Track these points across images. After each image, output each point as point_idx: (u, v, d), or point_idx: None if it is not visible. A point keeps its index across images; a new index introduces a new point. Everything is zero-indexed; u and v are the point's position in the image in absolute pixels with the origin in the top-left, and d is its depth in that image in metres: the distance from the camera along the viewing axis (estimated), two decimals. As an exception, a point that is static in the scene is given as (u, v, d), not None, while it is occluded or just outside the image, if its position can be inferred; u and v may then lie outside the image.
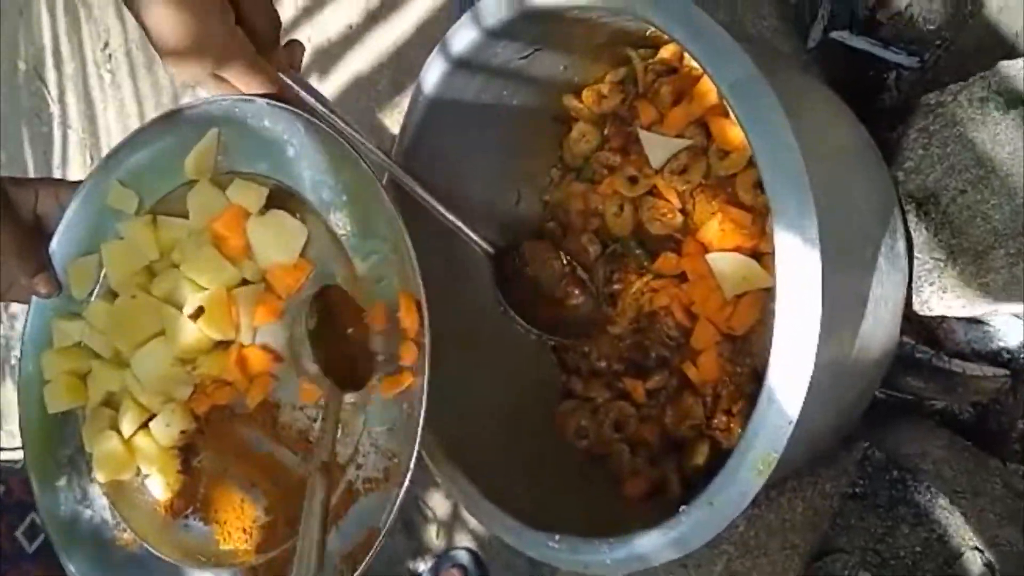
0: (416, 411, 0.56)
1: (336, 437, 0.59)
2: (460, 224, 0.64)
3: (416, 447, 0.55)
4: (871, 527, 0.76)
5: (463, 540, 1.07)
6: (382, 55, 1.22)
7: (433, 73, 0.64)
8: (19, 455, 0.77)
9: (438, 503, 1.10)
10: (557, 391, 0.76)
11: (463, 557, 1.05)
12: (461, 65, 0.63)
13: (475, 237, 0.65)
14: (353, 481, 0.60)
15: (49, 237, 0.70)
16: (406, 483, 0.55)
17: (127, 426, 0.66)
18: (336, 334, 0.61)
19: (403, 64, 1.21)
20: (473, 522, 1.06)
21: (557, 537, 0.57)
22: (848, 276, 0.52)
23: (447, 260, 0.69)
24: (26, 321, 0.71)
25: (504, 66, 0.65)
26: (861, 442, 0.75)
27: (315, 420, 0.63)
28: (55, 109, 2.02)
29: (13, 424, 0.76)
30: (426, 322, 0.56)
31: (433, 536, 1.10)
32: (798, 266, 0.45)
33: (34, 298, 0.70)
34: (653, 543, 0.51)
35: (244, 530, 0.65)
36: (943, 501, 0.72)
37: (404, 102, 0.75)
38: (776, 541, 0.71)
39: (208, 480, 0.67)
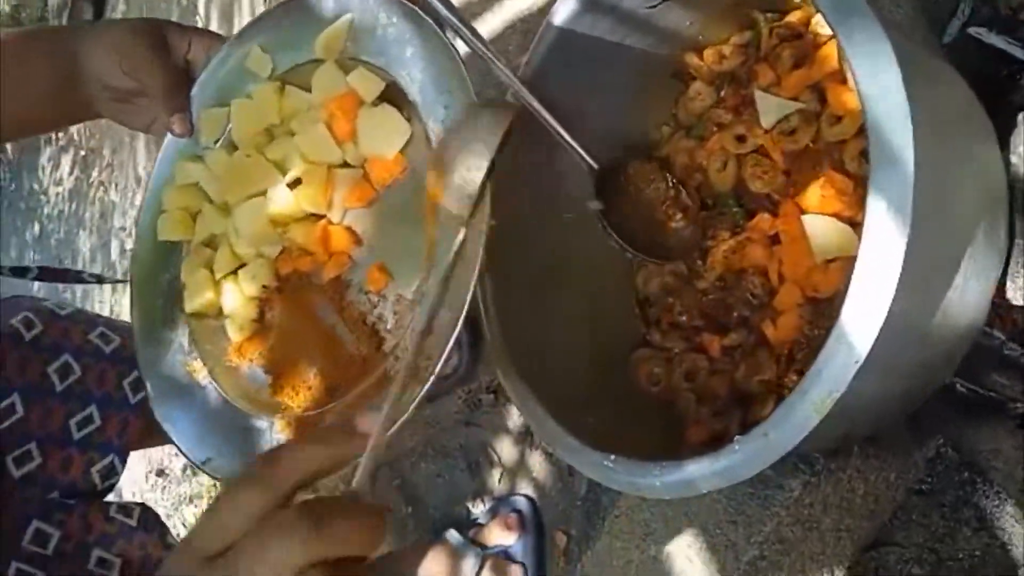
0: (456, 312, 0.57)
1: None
2: (570, 139, 0.66)
3: (445, 350, 0.57)
4: (932, 525, 0.75)
5: (524, 488, 1.10)
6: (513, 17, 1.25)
7: (564, 8, 0.67)
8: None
9: (505, 448, 1.13)
10: (635, 339, 0.78)
11: (522, 503, 1.08)
12: (591, 5, 0.66)
13: (582, 152, 0.67)
14: (388, 370, 0.64)
15: (192, 82, 0.78)
16: (428, 383, 0.57)
17: (220, 268, 0.74)
18: None
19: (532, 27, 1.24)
20: (536, 471, 1.09)
21: (613, 457, 0.59)
22: (940, 242, 0.53)
23: (549, 178, 0.72)
24: (158, 157, 0.80)
25: (632, 12, 0.68)
26: (935, 438, 0.74)
27: (375, 306, 0.68)
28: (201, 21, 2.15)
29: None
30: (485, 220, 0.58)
31: (496, 480, 1.14)
32: (887, 217, 0.46)
33: (168, 136, 0.78)
34: (704, 469, 0.53)
35: (294, 387, 0.70)
36: (1011, 508, 0.71)
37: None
38: (830, 518, 0.72)
39: (276, 335, 0.73)
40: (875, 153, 0.46)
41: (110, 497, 0.92)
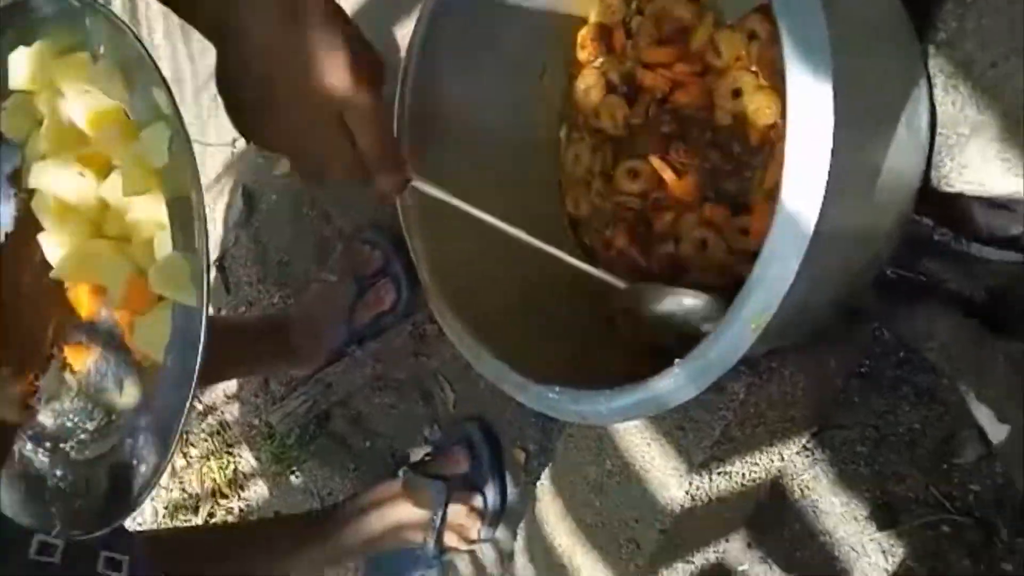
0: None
1: None
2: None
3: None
4: (873, 405, 0.78)
5: (479, 410, 1.10)
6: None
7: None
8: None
9: (455, 374, 1.13)
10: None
11: (471, 427, 1.08)
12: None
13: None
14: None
15: None
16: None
17: None
18: None
19: None
20: (487, 393, 1.09)
21: (558, 389, 0.59)
22: (862, 140, 0.52)
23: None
24: None
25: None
26: (870, 322, 0.76)
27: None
28: None
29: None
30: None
31: (450, 406, 1.14)
32: (808, 126, 0.45)
33: None
34: (647, 393, 0.53)
35: None
36: (945, 381, 0.73)
37: None
38: (775, 412, 0.73)
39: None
40: (791, 61, 0.45)
41: None
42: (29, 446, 0.71)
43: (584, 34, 0.74)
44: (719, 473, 0.74)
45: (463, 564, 1.12)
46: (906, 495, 0.75)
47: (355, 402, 1.26)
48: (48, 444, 0.71)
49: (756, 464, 0.78)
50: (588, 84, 0.73)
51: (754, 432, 0.73)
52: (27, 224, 0.73)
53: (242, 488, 1.46)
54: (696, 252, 0.65)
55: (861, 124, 0.51)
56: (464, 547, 1.06)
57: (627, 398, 0.55)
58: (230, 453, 1.47)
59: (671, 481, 0.73)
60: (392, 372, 1.21)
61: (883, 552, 0.76)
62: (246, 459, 1.45)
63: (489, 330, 0.65)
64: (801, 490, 0.81)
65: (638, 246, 0.71)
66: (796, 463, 0.81)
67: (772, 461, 0.79)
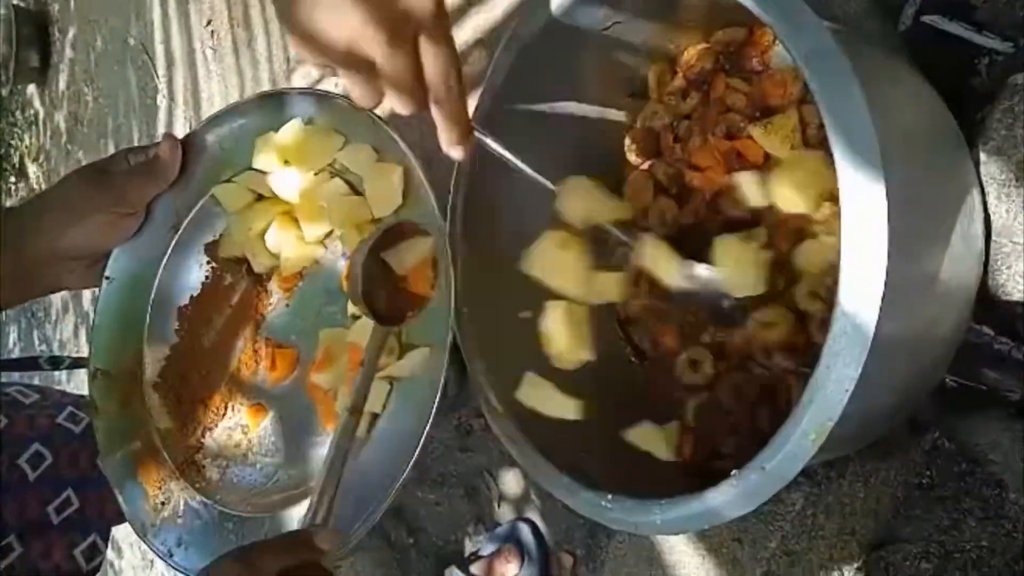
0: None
1: (372, 380, 0.64)
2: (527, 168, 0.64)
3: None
4: (936, 519, 0.74)
5: (525, 510, 1.09)
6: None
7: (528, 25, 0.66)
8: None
9: (501, 472, 1.12)
10: (622, 362, 0.77)
11: (522, 530, 1.07)
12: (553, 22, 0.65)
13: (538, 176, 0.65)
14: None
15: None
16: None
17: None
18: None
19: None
20: (534, 492, 1.07)
21: (610, 497, 0.58)
22: (917, 254, 0.52)
23: (514, 209, 0.72)
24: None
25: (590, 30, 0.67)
26: (931, 432, 0.74)
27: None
28: (161, 84, 2.11)
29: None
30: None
31: (495, 505, 1.13)
32: (863, 244, 0.45)
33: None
34: (704, 505, 0.52)
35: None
36: (1012, 495, 0.70)
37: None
38: (834, 524, 0.71)
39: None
40: (845, 182, 0.46)
41: None
42: (197, 499, 0.74)
43: (631, 137, 0.76)
44: (776, 587, 0.72)
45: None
46: (975, 616, 0.71)
47: (399, 496, 1.25)
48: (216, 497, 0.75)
49: (815, 579, 0.75)
50: (638, 186, 0.75)
51: (812, 545, 0.71)
52: (214, 290, 0.80)
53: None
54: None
55: (916, 233, 0.51)
56: (509, 652, 1.03)
57: (681, 509, 0.53)
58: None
59: (726, 596, 0.71)
60: (437, 467, 1.20)
61: (952, 678, 0.71)
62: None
63: (541, 434, 0.64)
64: (863, 608, 0.78)
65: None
66: (857, 579, 0.78)
67: None
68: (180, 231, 0.78)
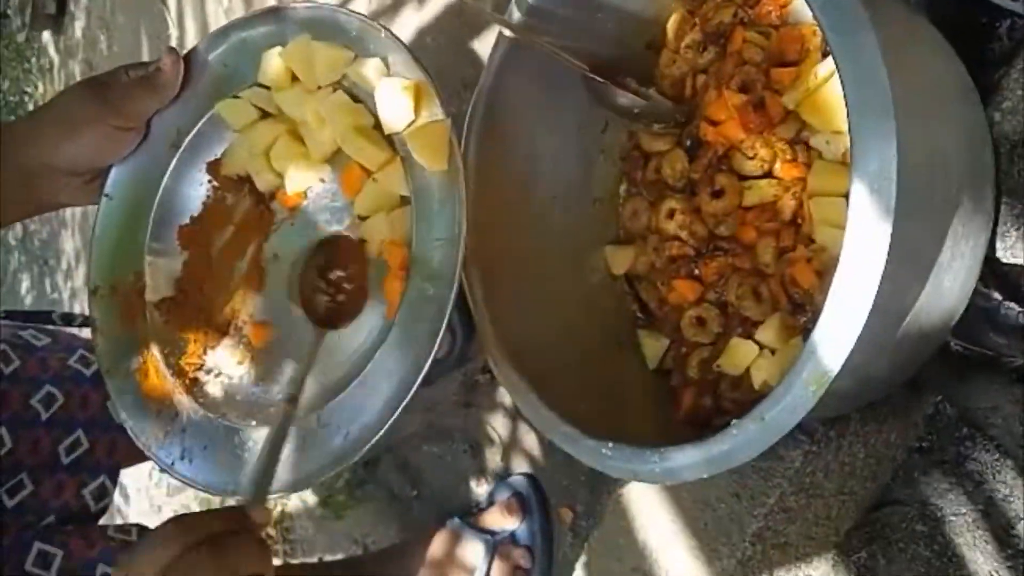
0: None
1: (307, 374, 0.68)
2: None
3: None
4: (934, 482, 0.75)
5: (526, 466, 1.10)
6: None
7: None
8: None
9: (505, 427, 1.13)
10: (627, 318, 0.77)
11: (521, 484, 1.07)
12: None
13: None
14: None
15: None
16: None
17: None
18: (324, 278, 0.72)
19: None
20: (536, 448, 1.09)
21: (611, 445, 0.59)
22: (926, 210, 0.52)
23: (528, 161, 0.72)
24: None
25: None
26: (932, 395, 0.74)
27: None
28: (174, 31, 2.11)
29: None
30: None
31: (497, 459, 1.14)
32: (871, 197, 0.45)
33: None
34: (702, 454, 0.53)
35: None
36: (1010, 462, 0.71)
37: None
38: (833, 484, 0.72)
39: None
40: (857, 133, 0.45)
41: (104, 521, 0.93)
42: (201, 414, 0.75)
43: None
44: (774, 546, 0.73)
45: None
46: (969, 579, 0.72)
47: (404, 450, 1.27)
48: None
49: (812, 539, 0.76)
50: (653, 136, 0.74)
51: (810, 503, 0.71)
52: (216, 208, 0.79)
53: (288, 531, 1.47)
54: (752, 301, 0.65)
55: (926, 189, 0.51)
56: (506, 606, 1.04)
57: (680, 458, 0.54)
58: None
59: (723, 550, 0.72)
60: (442, 421, 1.21)
61: (942, 640, 0.72)
62: (293, 501, 1.46)
63: (544, 383, 0.65)
64: (858, 569, 0.79)
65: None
66: (853, 539, 0.79)
67: (828, 536, 0.77)
68: (181, 149, 0.77)
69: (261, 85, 0.74)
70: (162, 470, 0.74)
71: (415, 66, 0.65)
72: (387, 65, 0.68)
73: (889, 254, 0.44)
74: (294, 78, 0.72)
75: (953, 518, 0.74)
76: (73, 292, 2.70)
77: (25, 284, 3.28)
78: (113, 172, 0.77)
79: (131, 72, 0.73)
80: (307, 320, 0.75)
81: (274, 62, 0.72)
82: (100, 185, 0.78)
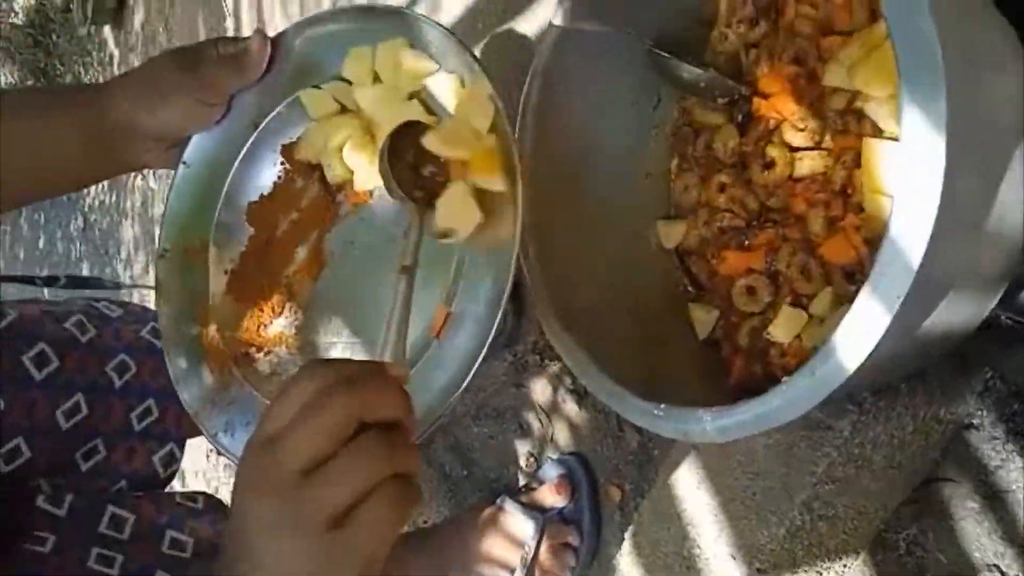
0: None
1: (419, 246, 0.67)
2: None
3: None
4: (984, 458, 0.75)
5: (575, 445, 1.11)
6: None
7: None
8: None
9: (555, 407, 1.15)
10: (676, 289, 0.79)
11: (571, 462, 1.09)
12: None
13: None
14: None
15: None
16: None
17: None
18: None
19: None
20: (586, 428, 1.10)
21: (662, 405, 0.60)
22: (975, 171, 0.52)
23: (586, 133, 0.74)
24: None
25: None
26: (983, 371, 0.74)
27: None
28: (231, 22, 2.17)
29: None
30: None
31: (547, 439, 1.16)
32: (922, 156, 0.46)
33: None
34: (753, 411, 0.54)
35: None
36: (1064, 436, 0.70)
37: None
38: (881, 456, 0.72)
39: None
40: (907, 90, 0.46)
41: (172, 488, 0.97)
42: (247, 388, 0.78)
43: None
44: (821, 516, 0.73)
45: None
46: (1020, 558, 0.72)
47: (455, 430, 1.30)
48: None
49: (861, 513, 0.77)
50: (705, 110, 0.76)
51: (859, 474, 0.72)
52: (285, 190, 0.83)
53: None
54: (803, 282, 0.66)
55: (975, 147, 0.51)
56: (554, 582, 1.06)
57: (731, 416, 0.56)
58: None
59: (771, 519, 0.72)
60: (492, 402, 1.23)
61: (993, 616, 0.73)
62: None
63: (596, 346, 0.67)
64: (907, 545, 0.79)
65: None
66: (902, 515, 0.79)
67: (877, 511, 0.77)
68: (260, 128, 0.80)
69: (343, 79, 0.76)
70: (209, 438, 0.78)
71: (489, 87, 0.67)
72: (463, 83, 0.70)
73: (939, 209, 0.45)
74: (376, 78, 0.75)
75: (1005, 495, 0.74)
76: (132, 279, 2.79)
77: (84, 271, 3.39)
78: (194, 140, 0.80)
79: (220, 47, 0.76)
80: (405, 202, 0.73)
81: (361, 59, 0.75)
82: (178, 152, 0.81)
